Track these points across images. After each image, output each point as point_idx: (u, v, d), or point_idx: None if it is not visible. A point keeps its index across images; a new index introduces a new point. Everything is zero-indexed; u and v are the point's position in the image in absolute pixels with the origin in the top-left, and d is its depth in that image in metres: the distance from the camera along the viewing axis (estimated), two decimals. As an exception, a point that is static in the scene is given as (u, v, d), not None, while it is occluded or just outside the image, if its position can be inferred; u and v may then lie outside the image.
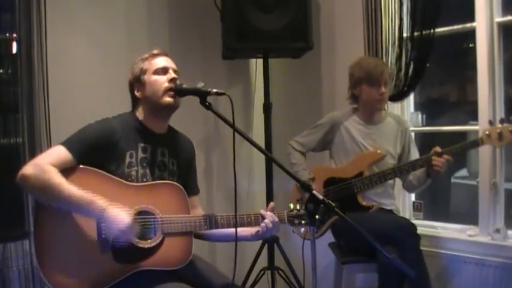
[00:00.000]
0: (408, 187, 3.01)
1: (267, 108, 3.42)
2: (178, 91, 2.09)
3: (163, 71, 2.14)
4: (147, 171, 2.12)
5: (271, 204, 2.17)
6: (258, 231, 2.13)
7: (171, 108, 2.14)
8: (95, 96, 3.13)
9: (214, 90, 1.97)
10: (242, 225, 2.11)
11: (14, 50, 2.84)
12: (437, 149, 2.72)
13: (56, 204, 1.91)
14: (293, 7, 3.22)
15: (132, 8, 3.42)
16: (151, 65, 2.15)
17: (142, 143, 2.14)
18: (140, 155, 2.12)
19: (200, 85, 2.02)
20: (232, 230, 2.08)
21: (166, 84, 2.10)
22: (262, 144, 3.34)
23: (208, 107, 1.98)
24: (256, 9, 3.20)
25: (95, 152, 2.01)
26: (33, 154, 2.69)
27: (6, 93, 2.85)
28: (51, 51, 2.89)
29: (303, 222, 2.15)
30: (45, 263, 1.91)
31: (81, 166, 1.99)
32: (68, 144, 2.00)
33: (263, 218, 2.11)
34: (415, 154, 2.95)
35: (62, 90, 2.97)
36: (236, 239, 2.05)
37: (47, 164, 1.92)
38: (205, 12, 3.62)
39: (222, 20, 3.34)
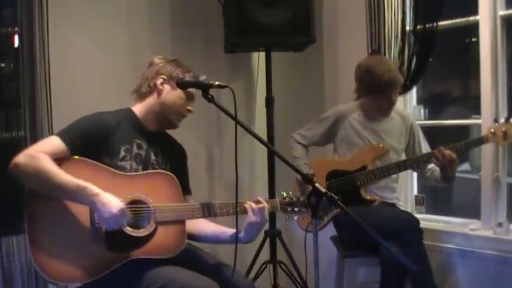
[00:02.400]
0: (426, 182, 3.04)
1: (269, 102, 3.40)
2: (181, 84, 2.10)
3: (190, 97, 2.23)
4: (140, 167, 2.14)
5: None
6: (246, 226, 2.13)
7: (171, 127, 2.28)
8: (97, 90, 3.12)
9: (217, 82, 1.97)
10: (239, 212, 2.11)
11: (16, 44, 2.84)
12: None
13: (48, 190, 1.92)
14: (295, 1, 3.20)
15: (134, 1, 3.42)
16: None
17: (139, 140, 2.16)
18: (135, 150, 2.14)
19: (203, 78, 2.02)
20: (224, 232, 2.17)
21: (185, 112, 2.22)
22: (264, 138, 3.32)
23: (211, 99, 1.97)
24: (258, 3, 3.18)
25: (87, 143, 2.03)
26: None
27: (8, 88, 2.85)
28: (53, 45, 2.88)
29: (295, 209, 2.15)
30: (39, 252, 1.91)
31: (74, 157, 2.00)
32: (61, 134, 2.02)
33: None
34: (426, 149, 2.93)
35: (63, 84, 2.96)
36: (237, 237, 2.07)
37: (39, 152, 1.93)
38: (207, 6, 3.61)
39: (224, 15, 3.33)
